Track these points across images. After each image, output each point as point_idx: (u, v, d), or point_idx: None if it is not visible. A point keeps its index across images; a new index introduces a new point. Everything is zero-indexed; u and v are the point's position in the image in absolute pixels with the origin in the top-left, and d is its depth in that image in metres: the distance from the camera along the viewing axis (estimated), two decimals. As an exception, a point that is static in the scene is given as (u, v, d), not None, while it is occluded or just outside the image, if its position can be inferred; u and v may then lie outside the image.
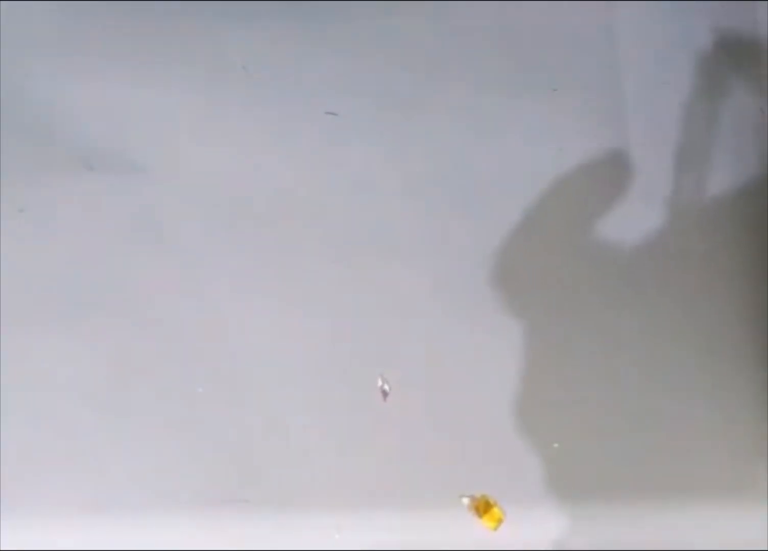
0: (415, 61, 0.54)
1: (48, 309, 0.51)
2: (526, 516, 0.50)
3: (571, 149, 0.54)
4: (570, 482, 0.51)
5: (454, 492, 0.50)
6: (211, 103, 0.52)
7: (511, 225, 0.53)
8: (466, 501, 0.50)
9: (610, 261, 0.51)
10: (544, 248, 0.53)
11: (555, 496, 0.50)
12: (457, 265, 0.52)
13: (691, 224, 0.53)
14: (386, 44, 0.54)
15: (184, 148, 0.51)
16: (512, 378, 0.51)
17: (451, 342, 0.51)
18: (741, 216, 0.53)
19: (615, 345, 0.51)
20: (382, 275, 0.52)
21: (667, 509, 0.50)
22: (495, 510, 0.50)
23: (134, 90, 0.51)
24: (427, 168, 0.53)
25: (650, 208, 0.52)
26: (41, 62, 0.51)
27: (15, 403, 0.50)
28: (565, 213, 0.53)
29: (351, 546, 0.50)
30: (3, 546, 0.48)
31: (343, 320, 0.51)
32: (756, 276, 0.52)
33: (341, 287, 0.51)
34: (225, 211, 0.51)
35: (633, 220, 0.52)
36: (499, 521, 0.50)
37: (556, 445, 0.51)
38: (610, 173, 0.52)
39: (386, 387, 0.50)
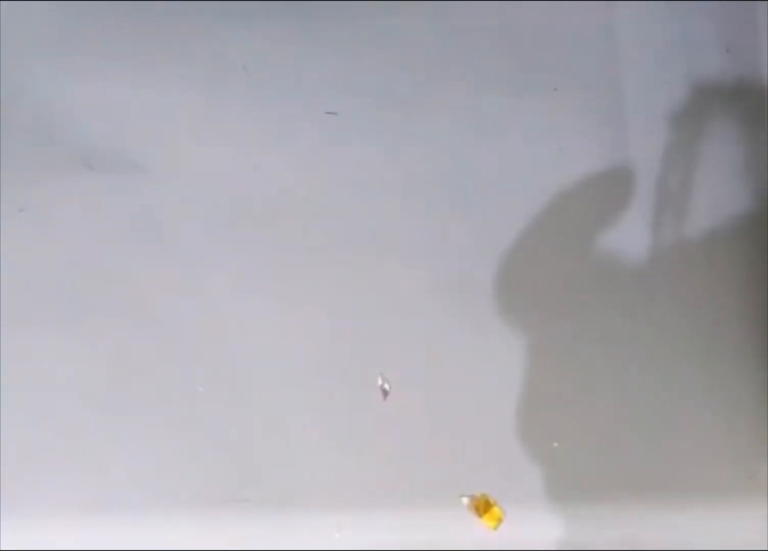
0: (415, 61, 0.54)
1: (48, 309, 0.51)
2: (526, 516, 0.50)
3: (571, 149, 0.54)
4: (570, 482, 0.51)
5: (454, 492, 0.50)
6: (211, 103, 0.52)
7: (511, 225, 0.53)
8: (466, 500, 0.50)
9: (610, 260, 0.51)
10: (543, 248, 0.53)
11: (555, 496, 0.50)
12: (457, 265, 0.52)
13: (691, 223, 0.53)
14: (386, 44, 0.54)
15: (184, 148, 0.51)
16: (512, 378, 0.51)
17: (451, 342, 0.51)
18: (741, 215, 0.53)
19: (615, 345, 0.51)
20: (382, 275, 0.52)
21: (667, 509, 0.50)
22: (495, 509, 0.50)
23: (134, 90, 0.51)
24: (427, 168, 0.53)
25: (650, 207, 0.52)
26: (41, 62, 0.51)
27: (15, 403, 0.50)
28: (564, 213, 0.53)
29: (351, 546, 0.50)
30: (3, 546, 0.48)
31: (343, 320, 0.51)
32: (756, 275, 0.52)
33: (341, 287, 0.51)
34: (225, 211, 0.51)
35: (632, 219, 0.52)
36: (499, 520, 0.50)
37: (556, 445, 0.51)
38: (610, 173, 0.52)
39: (386, 386, 0.50)
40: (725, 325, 0.52)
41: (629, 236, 0.52)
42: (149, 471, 0.50)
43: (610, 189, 0.51)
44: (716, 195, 0.53)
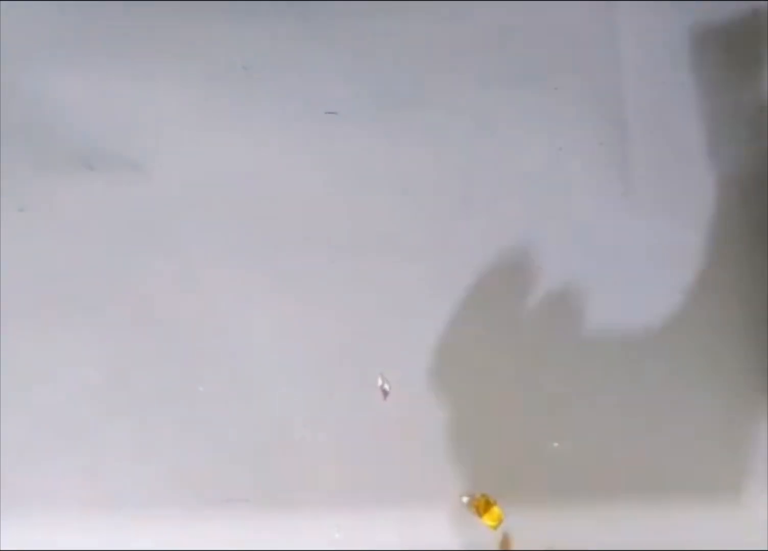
0: (415, 61, 0.54)
1: (47, 308, 0.51)
2: (526, 516, 0.50)
3: (571, 149, 0.54)
4: (570, 482, 0.51)
5: (454, 492, 0.50)
6: (211, 103, 0.52)
7: (512, 224, 0.53)
8: (466, 500, 0.50)
9: (610, 260, 0.51)
10: (544, 247, 0.53)
11: (555, 496, 0.50)
12: (457, 264, 0.52)
13: (690, 223, 0.53)
14: (386, 44, 0.54)
15: (184, 148, 0.51)
16: (512, 378, 0.51)
17: (451, 342, 0.51)
18: (742, 214, 0.53)
19: (615, 344, 0.51)
20: (382, 275, 0.52)
21: (667, 509, 0.50)
22: (495, 509, 0.50)
23: (134, 90, 0.51)
24: (428, 168, 0.53)
25: (650, 207, 0.52)
26: (41, 62, 0.51)
27: (14, 402, 0.50)
28: (564, 212, 0.53)
29: (351, 546, 0.50)
30: (3, 546, 0.48)
31: (344, 320, 0.51)
32: (757, 276, 0.52)
33: (341, 286, 0.51)
34: (225, 211, 0.51)
35: (632, 219, 0.52)
36: (500, 520, 0.50)
37: (556, 445, 0.51)
38: (610, 173, 0.52)
39: (386, 386, 0.50)
40: (725, 325, 0.52)
41: (629, 235, 0.52)
42: (149, 470, 0.50)
43: (609, 189, 0.51)
44: (716, 193, 0.53)
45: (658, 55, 0.53)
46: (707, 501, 0.51)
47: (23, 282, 0.50)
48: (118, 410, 0.50)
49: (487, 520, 0.50)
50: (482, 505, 0.50)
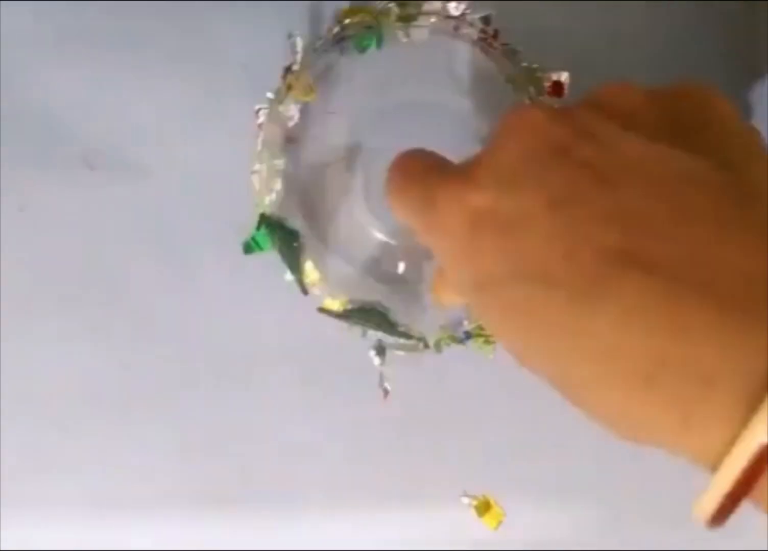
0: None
1: (47, 308, 0.51)
2: (526, 516, 0.50)
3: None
4: (570, 482, 0.51)
5: (454, 492, 0.51)
6: (211, 103, 0.51)
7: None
8: (466, 500, 0.50)
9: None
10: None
11: (555, 496, 0.50)
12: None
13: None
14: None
15: (184, 148, 0.51)
16: (512, 377, 0.50)
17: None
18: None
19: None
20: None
21: (666, 508, 0.50)
22: (495, 509, 0.50)
23: (135, 89, 0.51)
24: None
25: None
26: (41, 62, 0.51)
27: (14, 402, 0.50)
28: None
29: (351, 546, 0.50)
30: (3, 546, 0.48)
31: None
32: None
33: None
34: (225, 211, 0.51)
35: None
36: (500, 521, 0.50)
37: (556, 445, 0.51)
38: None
39: (386, 386, 0.50)
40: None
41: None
42: (149, 470, 0.50)
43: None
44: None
45: (658, 55, 0.53)
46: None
47: (23, 282, 0.50)
48: (118, 410, 0.50)
49: (488, 520, 0.50)
50: (482, 505, 0.50)
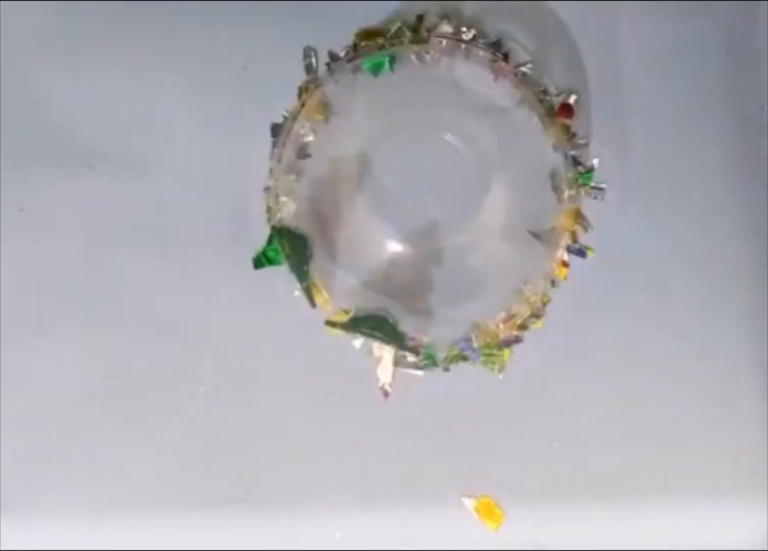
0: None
1: (47, 309, 0.51)
2: (526, 516, 0.50)
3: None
4: (570, 482, 0.51)
5: (454, 492, 0.51)
6: (211, 103, 0.51)
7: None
8: (466, 501, 0.50)
9: (610, 260, 0.51)
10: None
11: (555, 496, 0.50)
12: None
13: (690, 223, 0.53)
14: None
15: (184, 148, 0.51)
16: (512, 377, 0.51)
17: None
18: (741, 213, 0.53)
19: (616, 345, 0.51)
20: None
21: (667, 509, 0.51)
22: (496, 511, 0.50)
23: (134, 90, 0.51)
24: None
25: (649, 207, 0.52)
26: (41, 62, 0.51)
27: (15, 403, 0.50)
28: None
29: (351, 546, 0.50)
30: (3, 546, 0.48)
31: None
32: (757, 276, 0.52)
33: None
34: (225, 211, 0.51)
35: (632, 219, 0.52)
36: (500, 522, 0.50)
37: (556, 445, 0.51)
38: (610, 173, 0.52)
39: (386, 388, 0.50)
40: (725, 325, 0.52)
41: (629, 235, 0.52)
42: (149, 471, 0.50)
43: (610, 190, 0.51)
44: (715, 195, 0.53)
45: (658, 55, 0.53)
46: (707, 501, 0.51)
47: (23, 282, 0.50)
48: (118, 410, 0.50)
49: (488, 522, 0.50)
50: (483, 507, 0.50)
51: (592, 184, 0.50)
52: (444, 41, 0.48)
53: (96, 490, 0.50)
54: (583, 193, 0.49)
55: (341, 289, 0.50)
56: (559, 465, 0.51)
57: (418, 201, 0.51)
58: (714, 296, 0.52)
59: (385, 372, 0.49)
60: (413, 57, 0.49)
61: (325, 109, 0.49)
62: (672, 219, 0.52)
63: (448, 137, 0.51)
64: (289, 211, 0.49)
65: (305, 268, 0.48)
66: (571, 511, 0.51)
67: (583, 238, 0.50)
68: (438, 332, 0.49)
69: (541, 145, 0.49)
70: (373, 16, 0.51)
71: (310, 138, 0.49)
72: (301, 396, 0.51)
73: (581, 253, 0.49)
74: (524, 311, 0.48)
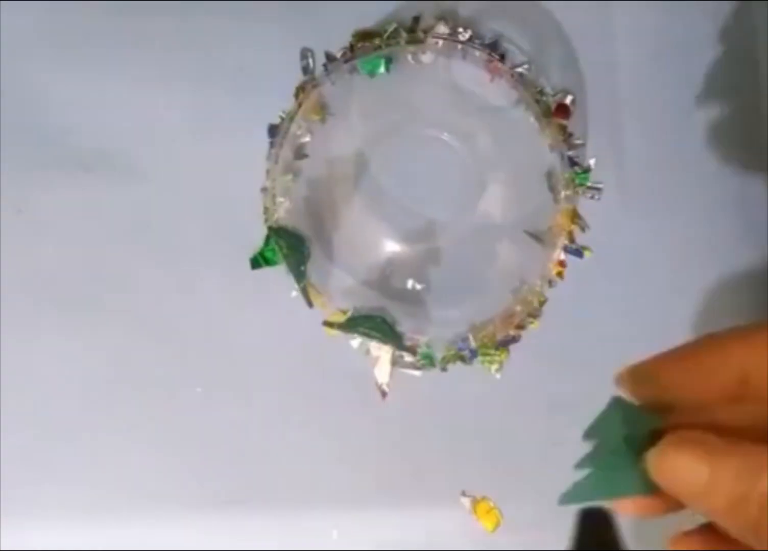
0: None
1: (47, 310, 0.51)
2: (526, 516, 0.50)
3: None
4: (568, 483, 0.50)
5: (454, 492, 0.51)
6: (210, 103, 0.51)
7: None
8: (465, 501, 0.50)
9: (609, 260, 0.51)
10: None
11: (555, 496, 0.50)
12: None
13: (689, 223, 0.53)
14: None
15: (183, 148, 0.51)
16: (510, 377, 0.51)
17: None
18: (740, 213, 0.53)
19: (613, 345, 0.51)
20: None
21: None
22: (494, 512, 0.50)
23: (133, 90, 0.51)
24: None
25: (648, 207, 0.52)
26: (40, 62, 0.51)
27: (14, 403, 0.50)
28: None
29: (350, 546, 0.50)
30: (3, 546, 0.49)
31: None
32: (757, 276, 0.52)
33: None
34: (222, 212, 0.51)
35: (631, 219, 0.52)
36: (498, 523, 0.50)
37: (553, 445, 0.51)
38: (609, 173, 0.52)
39: (384, 388, 0.50)
40: (725, 322, 0.52)
41: (627, 236, 0.52)
42: (148, 471, 0.50)
43: (607, 189, 0.51)
44: (712, 196, 0.53)
45: (657, 55, 0.53)
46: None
47: (22, 284, 0.50)
48: (117, 411, 0.50)
49: (486, 523, 0.50)
50: (481, 508, 0.50)
51: (589, 184, 0.50)
52: (440, 42, 0.48)
53: (95, 491, 0.50)
54: (579, 193, 0.49)
55: (339, 289, 0.50)
56: (556, 466, 0.51)
57: (415, 201, 0.51)
58: (712, 296, 0.52)
59: (382, 372, 0.50)
60: (410, 58, 0.50)
61: (322, 109, 0.50)
62: (669, 219, 0.52)
63: (445, 137, 0.51)
64: (286, 212, 0.49)
65: (303, 268, 0.48)
66: (570, 511, 0.50)
67: (580, 238, 0.50)
68: (435, 332, 0.49)
69: (537, 145, 0.49)
70: (369, 17, 0.51)
71: (307, 138, 0.50)
72: (298, 396, 0.51)
73: (578, 252, 0.49)
74: (521, 311, 0.48)
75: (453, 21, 0.50)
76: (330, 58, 0.49)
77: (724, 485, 0.28)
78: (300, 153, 0.49)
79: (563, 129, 0.49)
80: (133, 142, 0.51)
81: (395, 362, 0.49)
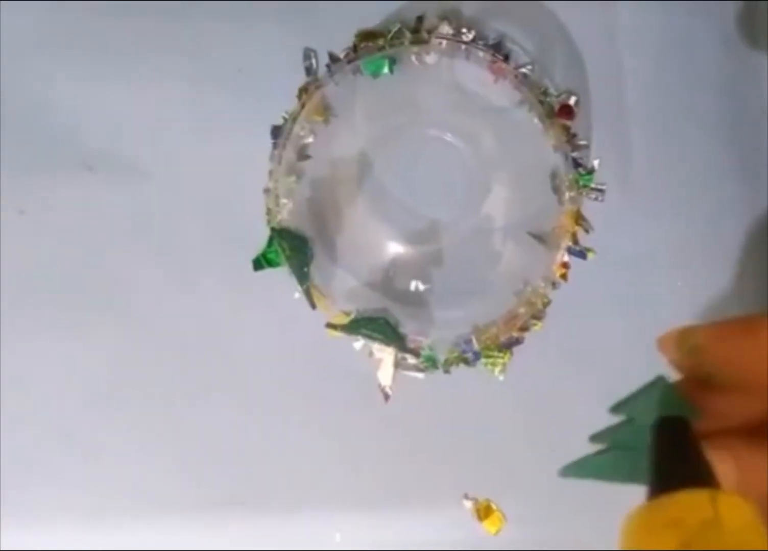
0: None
1: (47, 310, 0.51)
2: (526, 516, 0.51)
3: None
4: (570, 483, 0.51)
5: (454, 492, 0.51)
6: (210, 104, 0.51)
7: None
8: (467, 503, 0.50)
9: (609, 260, 0.51)
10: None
11: (555, 497, 0.50)
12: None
13: (691, 223, 0.53)
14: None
15: (183, 148, 0.51)
16: (513, 379, 0.51)
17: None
18: (742, 214, 0.53)
19: (617, 347, 0.51)
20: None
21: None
22: (496, 514, 0.50)
23: (133, 90, 0.51)
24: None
25: (650, 207, 0.52)
26: (41, 63, 0.51)
27: (14, 404, 0.50)
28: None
29: (351, 547, 0.50)
30: (3, 546, 0.49)
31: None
32: (758, 275, 0.52)
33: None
34: (225, 213, 0.51)
35: (632, 219, 0.52)
36: (500, 525, 0.50)
37: (556, 448, 0.51)
38: (610, 173, 0.52)
39: (387, 390, 0.50)
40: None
41: (628, 236, 0.52)
42: (148, 473, 0.50)
43: (610, 191, 0.51)
44: (716, 196, 0.53)
45: (658, 55, 0.53)
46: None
47: (23, 285, 0.50)
48: (117, 411, 0.50)
49: (488, 525, 0.50)
50: (483, 510, 0.50)
51: (593, 185, 0.50)
52: (444, 42, 0.48)
53: (95, 491, 0.50)
54: (583, 194, 0.49)
55: (342, 291, 0.50)
56: (558, 466, 0.51)
57: (418, 202, 0.51)
58: (715, 297, 0.52)
59: (385, 374, 0.49)
60: (413, 58, 0.49)
61: (325, 110, 0.49)
62: (673, 220, 0.52)
63: (448, 138, 0.51)
64: (289, 213, 0.49)
65: (305, 270, 0.48)
66: (570, 511, 0.51)
67: (584, 240, 0.49)
68: (438, 334, 0.49)
69: (541, 146, 0.49)
70: (373, 17, 0.51)
71: (310, 139, 0.50)
72: (301, 398, 0.51)
73: (582, 254, 0.49)
74: (525, 313, 0.48)
75: (457, 21, 0.50)
76: (333, 58, 0.49)
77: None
78: (303, 154, 0.49)
79: (567, 130, 0.49)
80: (135, 142, 0.51)
81: (398, 364, 0.49)
